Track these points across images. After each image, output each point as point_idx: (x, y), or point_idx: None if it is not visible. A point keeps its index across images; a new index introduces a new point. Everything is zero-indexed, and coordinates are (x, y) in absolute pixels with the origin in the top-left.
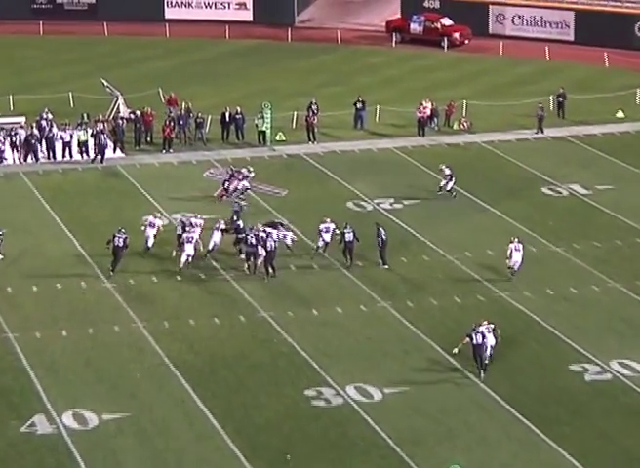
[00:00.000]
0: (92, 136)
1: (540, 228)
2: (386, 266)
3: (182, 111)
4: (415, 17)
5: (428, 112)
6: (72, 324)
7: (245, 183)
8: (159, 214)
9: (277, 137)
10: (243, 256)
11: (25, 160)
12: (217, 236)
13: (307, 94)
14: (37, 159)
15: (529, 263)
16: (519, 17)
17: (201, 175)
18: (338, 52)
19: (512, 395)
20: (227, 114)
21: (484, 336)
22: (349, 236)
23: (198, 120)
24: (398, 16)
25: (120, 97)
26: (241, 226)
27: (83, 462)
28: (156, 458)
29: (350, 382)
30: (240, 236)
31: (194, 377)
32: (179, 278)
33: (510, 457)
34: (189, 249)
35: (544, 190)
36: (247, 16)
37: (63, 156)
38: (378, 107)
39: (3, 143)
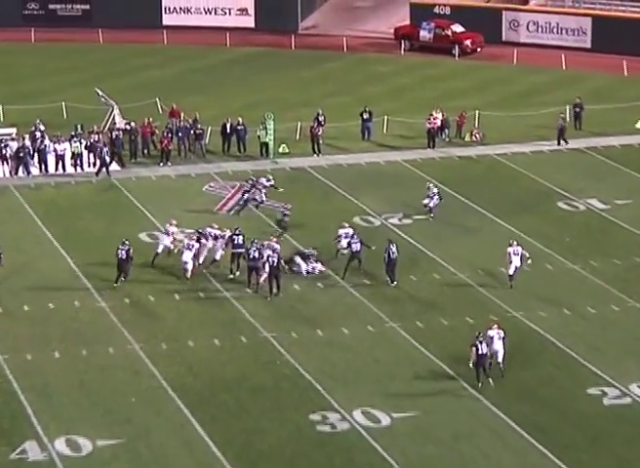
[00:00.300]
0: (86, 148)
1: (555, 245)
2: (394, 283)
3: (183, 122)
4: (424, 23)
5: (439, 123)
6: (65, 345)
7: (261, 195)
8: (175, 222)
9: (280, 150)
10: (238, 273)
11: (16, 173)
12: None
13: (312, 104)
14: (29, 172)
15: (544, 281)
16: (534, 23)
17: (200, 188)
18: (343, 60)
19: (527, 420)
20: (228, 125)
21: (492, 340)
22: (356, 246)
23: (197, 131)
24: (407, 22)
25: (116, 107)
26: (241, 241)
27: None
28: None
29: (357, 406)
30: (239, 251)
31: (193, 401)
32: (177, 297)
33: None
34: (187, 256)
35: (560, 205)
36: (249, 22)
37: (56, 169)
38: (385, 118)
39: None
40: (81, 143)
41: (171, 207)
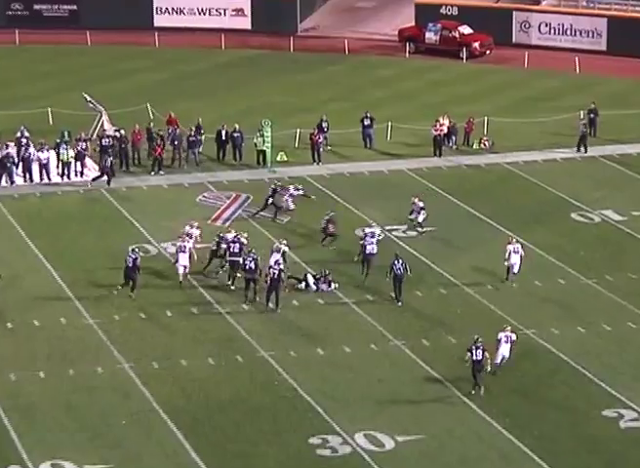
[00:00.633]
0: (74, 156)
1: (569, 258)
2: (400, 303)
3: (179, 130)
4: (430, 24)
5: (445, 130)
6: (51, 364)
7: (287, 203)
8: (196, 223)
9: (278, 158)
10: (233, 288)
11: None
12: (273, 258)
13: (311, 109)
14: (12, 182)
15: (557, 297)
16: (546, 24)
17: (194, 199)
18: (345, 63)
19: (539, 444)
20: (224, 132)
21: (499, 343)
22: (372, 248)
23: (191, 138)
24: (412, 23)
25: (104, 113)
26: (237, 250)
27: None
28: None
29: (359, 429)
30: (235, 260)
31: (186, 424)
32: (169, 313)
33: None
34: (183, 259)
35: (574, 216)
36: (245, 23)
37: (41, 178)
38: (389, 124)
39: None
40: (68, 151)
41: (163, 218)
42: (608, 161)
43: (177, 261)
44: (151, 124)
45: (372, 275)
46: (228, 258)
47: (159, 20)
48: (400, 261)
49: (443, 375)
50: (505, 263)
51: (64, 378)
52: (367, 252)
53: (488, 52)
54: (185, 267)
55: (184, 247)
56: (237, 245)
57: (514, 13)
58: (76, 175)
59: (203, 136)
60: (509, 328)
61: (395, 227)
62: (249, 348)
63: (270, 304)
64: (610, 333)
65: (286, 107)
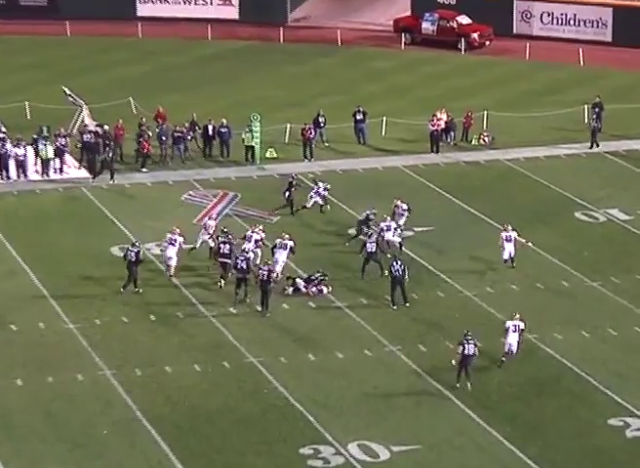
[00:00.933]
0: (54, 152)
1: (573, 260)
2: (407, 304)
3: (164, 125)
4: (427, 14)
5: (443, 125)
6: (29, 371)
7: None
8: (214, 216)
9: (267, 154)
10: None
11: None
12: (282, 255)
13: (302, 104)
14: None
15: (561, 300)
16: (548, 14)
17: (179, 197)
18: (338, 55)
19: (542, 454)
20: (210, 127)
21: (507, 332)
22: (371, 246)
23: (176, 134)
24: (408, 13)
25: (85, 107)
26: (227, 251)
27: None
28: None
29: (353, 439)
30: (225, 261)
31: (171, 434)
32: (152, 317)
33: None
34: (171, 252)
35: (578, 215)
36: (232, 13)
37: (18, 176)
38: (384, 119)
39: None
40: (47, 148)
41: (146, 218)
42: (614, 157)
43: (166, 254)
44: (143, 119)
45: (367, 277)
46: (219, 260)
47: (142, 10)
48: (399, 263)
49: (441, 383)
50: (502, 253)
51: (43, 386)
52: (368, 250)
53: (487, 43)
54: (170, 259)
55: (174, 240)
56: (227, 246)
57: (515, 2)
58: (55, 172)
59: (197, 133)
60: (518, 316)
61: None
62: (237, 354)
63: (258, 307)
64: (616, 338)
65: (275, 101)
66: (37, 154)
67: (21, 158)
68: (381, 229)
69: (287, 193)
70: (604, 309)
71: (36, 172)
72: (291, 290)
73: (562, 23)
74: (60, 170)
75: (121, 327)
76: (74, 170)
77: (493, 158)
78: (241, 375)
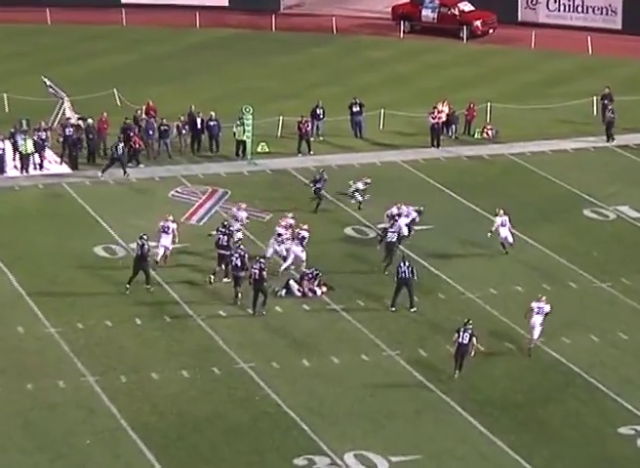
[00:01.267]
0: (34, 147)
1: (581, 259)
2: (413, 309)
3: (152, 119)
4: (427, 1)
5: (444, 118)
6: (7, 378)
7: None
8: (244, 206)
9: (259, 149)
10: (226, 280)
11: None
12: (299, 248)
13: (296, 95)
14: None
15: (568, 303)
16: (555, 0)
17: (166, 194)
18: (333, 44)
19: (549, 464)
20: (199, 120)
21: (532, 313)
22: (392, 236)
23: (162, 127)
24: (407, 0)
25: (66, 99)
26: (225, 242)
27: None
28: None
29: (349, 449)
30: (223, 253)
31: (158, 444)
32: (138, 321)
33: None
34: (165, 240)
35: (587, 213)
36: (222, 0)
37: None
38: (382, 112)
39: None
40: (27, 142)
41: (131, 216)
42: (624, 151)
43: (160, 242)
44: (139, 111)
45: (364, 278)
46: (217, 251)
47: None
48: (406, 264)
49: (442, 389)
50: (489, 235)
51: (22, 394)
52: (388, 240)
53: (491, 31)
54: (167, 248)
55: (167, 227)
56: (226, 237)
57: None
58: (35, 167)
59: (166, 126)
60: (544, 298)
61: (388, 225)
62: (227, 359)
63: (249, 310)
64: (626, 343)
65: (267, 93)
66: (16, 149)
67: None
68: (393, 216)
69: (315, 189)
70: (614, 312)
71: (15, 167)
72: (283, 292)
73: (569, 10)
74: (41, 165)
75: (105, 331)
76: (55, 165)
77: (496, 152)
78: (231, 382)
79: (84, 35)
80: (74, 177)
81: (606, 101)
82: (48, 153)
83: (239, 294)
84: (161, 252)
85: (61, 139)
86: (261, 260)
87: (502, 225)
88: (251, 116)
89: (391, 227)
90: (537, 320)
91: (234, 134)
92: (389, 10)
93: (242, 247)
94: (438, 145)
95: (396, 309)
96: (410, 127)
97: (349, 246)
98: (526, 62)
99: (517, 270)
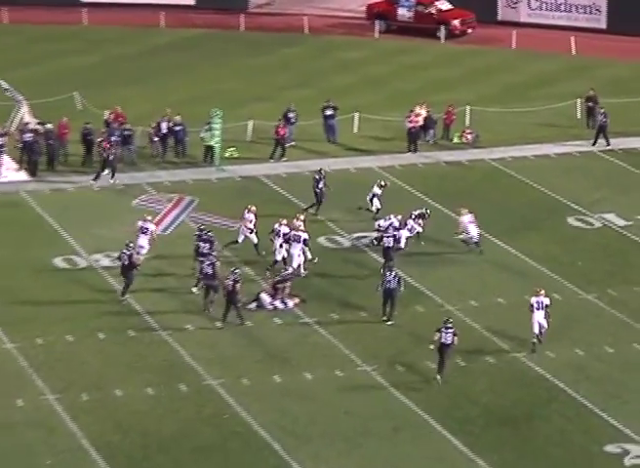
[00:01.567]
0: None
1: (565, 270)
2: (390, 322)
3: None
4: None
5: (422, 121)
6: None
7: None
8: (254, 208)
9: (227, 154)
10: (195, 290)
11: None
12: (296, 249)
13: (266, 98)
14: None
15: (552, 315)
16: None
17: (130, 203)
18: (305, 44)
19: None
20: (164, 125)
21: (532, 308)
22: (388, 241)
23: (126, 133)
24: None
25: (25, 103)
26: (206, 250)
27: None
28: None
29: None
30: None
31: (122, 464)
32: (101, 336)
33: None
34: (143, 241)
35: (571, 221)
36: None
37: None
38: (357, 115)
39: None
40: None
41: (93, 226)
42: (610, 157)
43: (139, 246)
44: (110, 117)
45: (338, 289)
46: (199, 259)
47: None
48: (392, 273)
49: (420, 406)
50: (461, 236)
51: None
52: (385, 245)
53: (470, 30)
54: (142, 248)
55: (146, 228)
56: (207, 244)
57: None
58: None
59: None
60: (543, 291)
61: (364, 234)
62: (194, 376)
63: (218, 324)
64: (613, 356)
65: (236, 96)
66: None
67: None
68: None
69: (317, 190)
70: (600, 324)
71: None
72: (254, 305)
73: (552, 9)
74: None
75: (66, 346)
76: (12, 172)
77: (476, 158)
78: (199, 399)
79: (43, 35)
80: (33, 185)
81: (590, 104)
82: (5, 159)
83: (209, 305)
84: (143, 252)
85: (20, 145)
86: (236, 271)
87: (470, 222)
88: (219, 120)
89: (386, 232)
90: (539, 315)
91: (202, 139)
92: (364, 9)
93: (215, 252)
94: (415, 150)
95: (393, 323)
96: (386, 131)
97: (323, 256)
98: (506, 63)
99: (498, 281)
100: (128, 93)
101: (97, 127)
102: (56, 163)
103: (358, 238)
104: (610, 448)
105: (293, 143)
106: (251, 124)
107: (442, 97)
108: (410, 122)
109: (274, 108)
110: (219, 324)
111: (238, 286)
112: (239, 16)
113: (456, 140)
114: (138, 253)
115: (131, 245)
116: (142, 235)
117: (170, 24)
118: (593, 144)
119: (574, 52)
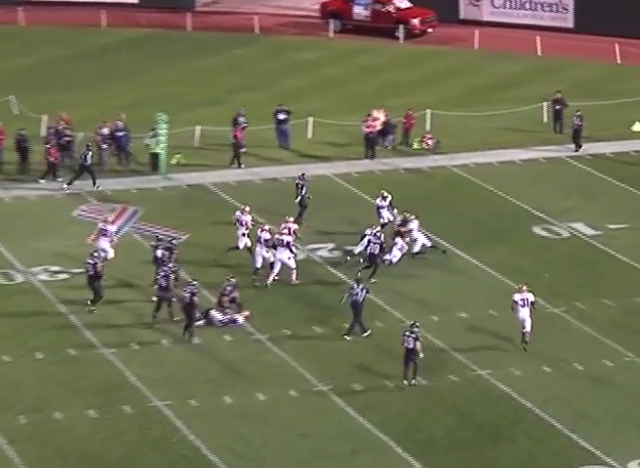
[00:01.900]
0: None
1: (532, 282)
2: (348, 338)
3: (53, 130)
4: None
5: (380, 126)
6: None
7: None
8: (248, 209)
9: (173, 161)
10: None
11: None
12: (285, 254)
13: (215, 102)
14: None
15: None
16: None
17: (70, 213)
18: (256, 45)
19: None
20: (106, 130)
21: (517, 306)
22: (374, 247)
23: (65, 139)
24: None
25: None
26: (167, 258)
27: None
28: None
29: None
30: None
31: None
32: (39, 355)
33: None
34: (104, 243)
35: (537, 230)
36: None
37: None
38: (311, 120)
39: None
40: None
41: (30, 238)
42: (578, 163)
43: (101, 249)
44: (61, 122)
45: (292, 304)
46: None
47: None
48: (360, 286)
49: (380, 427)
50: (415, 249)
51: None
52: (370, 251)
53: (430, 30)
54: (106, 252)
55: (106, 230)
56: (168, 253)
57: None
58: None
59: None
60: (525, 287)
61: (319, 246)
62: (139, 397)
63: (164, 341)
64: (582, 373)
65: (183, 99)
66: None
67: None
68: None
69: (299, 198)
70: (568, 339)
71: None
72: (202, 322)
73: (516, 7)
74: None
75: (1, 366)
76: None
77: (438, 164)
78: (145, 422)
79: None
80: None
81: (557, 107)
82: None
83: (172, 317)
84: (109, 256)
85: None
86: (193, 283)
87: (417, 231)
88: (165, 125)
89: (374, 236)
90: (524, 313)
91: (147, 145)
92: (317, 7)
93: (171, 264)
94: (373, 157)
95: (371, 332)
96: (341, 136)
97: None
98: (469, 64)
99: (461, 294)
100: (67, 96)
101: (31, 133)
102: None
103: (312, 250)
104: None
105: (243, 150)
106: (198, 129)
107: (401, 100)
108: (367, 127)
109: (223, 112)
110: (164, 341)
111: (196, 299)
112: (185, 15)
113: (416, 146)
114: (100, 257)
115: (95, 254)
116: (103, 237)
117: (112, 24)
118: (576, 150)
119: (539, 52)
